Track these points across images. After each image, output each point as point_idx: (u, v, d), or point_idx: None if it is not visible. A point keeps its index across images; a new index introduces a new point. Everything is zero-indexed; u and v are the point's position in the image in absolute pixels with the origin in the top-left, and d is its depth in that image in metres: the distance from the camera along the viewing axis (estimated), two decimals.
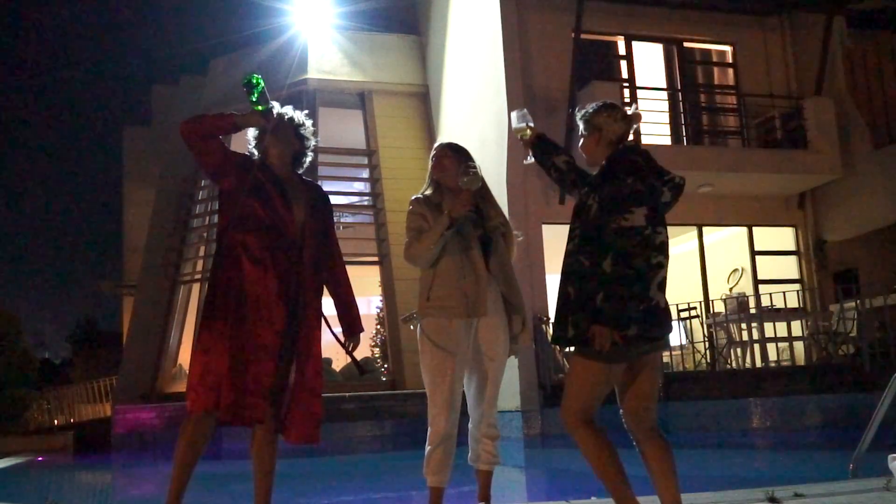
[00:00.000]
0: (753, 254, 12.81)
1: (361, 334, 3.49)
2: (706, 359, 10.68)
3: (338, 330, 3.43)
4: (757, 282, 12.58)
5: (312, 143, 3.41)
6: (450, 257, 3.47)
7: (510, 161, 11.24)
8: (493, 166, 10.83)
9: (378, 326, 13.72)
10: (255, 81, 3.14)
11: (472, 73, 12.84)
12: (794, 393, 8.97)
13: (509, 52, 11.62)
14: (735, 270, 13.05)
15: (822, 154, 12.03)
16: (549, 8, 12.15)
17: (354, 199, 15.72)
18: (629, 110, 3.01)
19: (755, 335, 10.43)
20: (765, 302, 10.99)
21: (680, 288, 11.93)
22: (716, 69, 13.63)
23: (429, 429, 3.47)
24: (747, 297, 10.97)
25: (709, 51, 13.56)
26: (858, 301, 9.62)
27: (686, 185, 2.87)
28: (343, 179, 15.18)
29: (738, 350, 10.75)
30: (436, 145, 3.76)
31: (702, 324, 11.38)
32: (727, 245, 13.20)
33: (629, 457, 2.85)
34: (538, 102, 11.43)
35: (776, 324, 10.48)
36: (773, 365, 10.58)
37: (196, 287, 14.55)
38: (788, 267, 13.00)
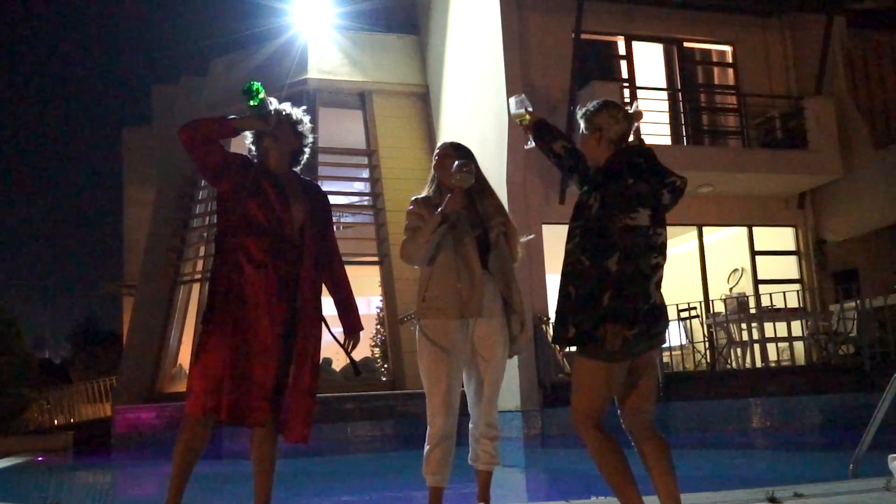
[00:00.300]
0: (753, 254, 12.80)
1: (361, 335, 3.49)
2: (706, 359, 10.68)
3: (337, 330, 3.43)
4: (757, 282, 12.57)
5: (310, 139, 3.40)
6: (446, 257, 3.47)
7: (510, 161, 11.24)
8: (493, 166, 10.83)
9: (378, 326, 13.72)
10: (255, 89, 3.15)
11: (472, 73, 12.84)
12: (794, 393, 8.98)
13: (509, 52, 11.61)
14: (735, 270, 13.04)
15: (822, 154, 12.03)
16: (549, 8, 12.15)
17: (354, 199, 15.73)
18: (630, 108, 3.01)
19: (755, 335, 10.43)
20: (765, 302, 10.98)
21: (680, 288, 11.94)
22: (716, 69, 13.63)
23: (428, 428, 3.47)
24: (747, 297, 10.97)
25: (709, 51, 13.56)
26: (858, 301, 9.62)
27: (686, 182, 2.86)
28: (343, 179, 15.19)
29: (738, 350, 10.75)
30: (439, 145, 3.76)
31: (702, 324, 11.37)
32: (727, 245, 13.20)
33: (628, 456, 2.85)
34: (538, 102, 11.31)
35: (776, 324, 10.47)
36: (773, 365, 10.58)
37: (196, 287, 14.55)
38: (788, 267, 12.99)
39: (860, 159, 12.10)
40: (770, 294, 10.91)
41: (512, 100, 3.39)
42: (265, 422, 3.09)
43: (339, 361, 12.84)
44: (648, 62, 13.02)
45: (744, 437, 8.93)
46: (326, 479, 7.99)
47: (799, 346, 11.43)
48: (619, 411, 2.92)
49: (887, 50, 12.68)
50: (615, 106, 2.97)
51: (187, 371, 9.78)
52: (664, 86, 12.89)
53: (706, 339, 11.01)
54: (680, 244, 13.08)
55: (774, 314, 10.58)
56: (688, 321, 11.21)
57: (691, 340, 11.34)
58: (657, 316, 2.78)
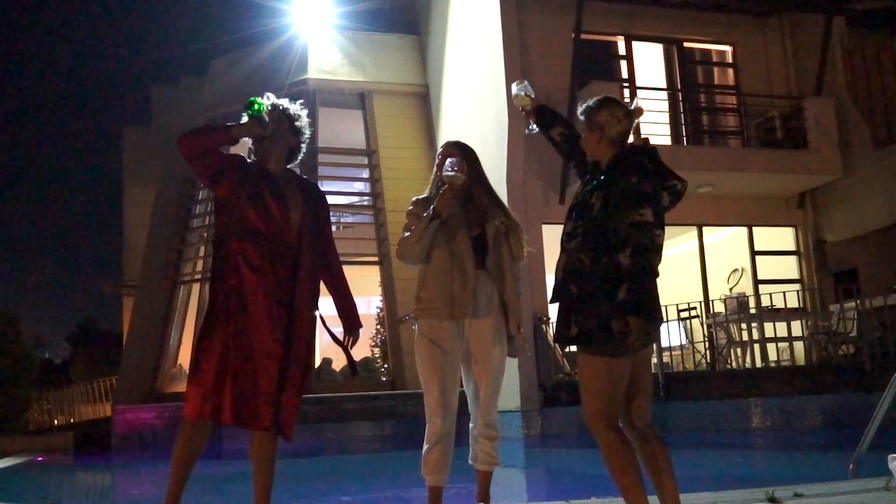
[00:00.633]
0: (753, 254, 12.81)
1: (362, 334, 3.49)
2: (706, 359, 10.68)
3: (336, 330, 3.43)
4: (757, 282, 12.58)
5: (307, 133, 3.41)
6: (440, 258, 3.47)
7: (510, 161, 11.24)
8: (493, 166, 10.82)
9: (378, 326, 13.71)
10: (255, 105, 3.17)
11: (472, 73, 12.84)
12: (794, 393, 8.97)
13: (509, 52, 11.61)
14: (735, 270, 13.05)
15: (822, 154, 12.03)
16: (549, 8, 12.15)
17: (354, 199, 15.72)
18: (630, 105, 2.99)
19: (755, 335, 10.42)
20: (765, 302, 10.98)
21: (680, 288, 11.95)
22: (716, 69, 13.63)
23: (426, 428, 3.48)
24: (747, 297, 10.96)
25: (709, 51, 13.56)
26: (858, 301, 9.62)
27: (686, 186, 2.86)
28: (343, 179, 15.18)
29: (738, 350, 10.75)
30: (442, 144, 3.75)
31: (702, 324, 11.37)
32: (727, 245, 13.20)
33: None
34: None
35: (776, 324, 10.47)
36: (773, 365, 10.57)
37: (196, 287, 14.54)
38: (788, 267, 13.00)
39: (860, 159, 12.11)
40: (770, 294, 10.92)
41: (514, 85, 3.41)
42: (271, 426, 3.10)
43: (339, 361, 12.84)
44: (648, 62, 13.02)
45: (744, 437, 8.93)
46: (326, 479, 7.98)
47: (799, 346, 11.42)
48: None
49: (887, 50, 12.68)
50: (617, 104, 2.95)
51: (187, 370, 9.77)
52: (664, 86, 12.89)
53: (706, 339, 11.01)
54: (680, 244, 13.08)
55: (774, 314, 10.58)
56: (688, 321, 11.22)
57: (691, 340, 11.34)
58: (656, 310, 2.80)
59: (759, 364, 10.26)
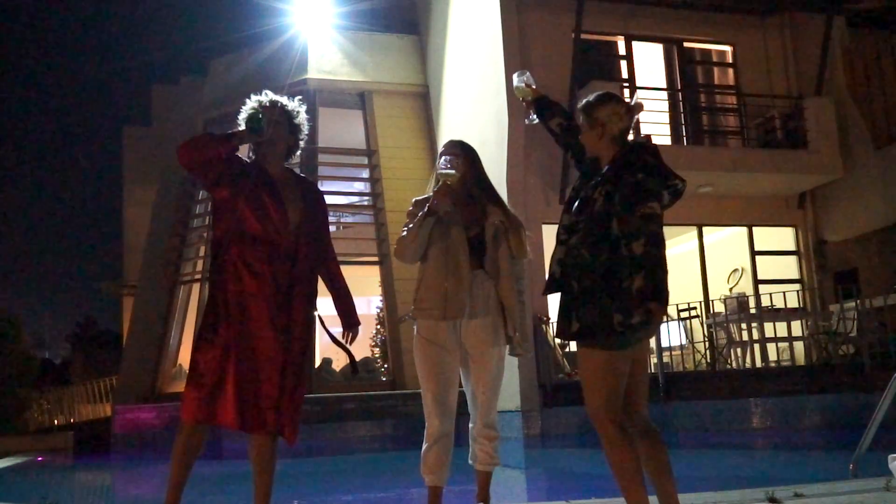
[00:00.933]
0: (753, 254, 12.81)
1: (361, 334, 3.50)
2: (706, 359, 10.68)
3: (335, 330, 3.43)
4: (757, 282, 12.58)
5: (306, 130, 3.42)
6: (435, 258, 3.47)
7: (510, 161, 11.24)
8: (493, 166, 10.76)
9: (378, 326, 13.71)
10: (257, 123, 3.18)
11: (472, 73, 12.84)
12: (794, 393, 8.97)
13: (509, 52, 11.61)
14: (735, 270, 13.05)
15: (822, 154, 12.03)
16: (549, 8, 12.15)
17: (354, 199, 15.71)
18: (630, 101, 2.97)
19: (755, 335, 10.43)
20: (765, 302, 10.98)
21: (680, 288, 11.93)
22: (716, 69, 13.62)
23: (425, 428, 3.48)
24: (747, 297, 10.96)
25: (709, 51, 13.56)
26: (858, 301, 9.62)
27: (686, 185, 2.86)
28: (343, 179, 15.17)
29: (738, 350, 10.75)
30: (444, 142, 3.75)
31: (702, 324, 11.37)
32: (727, 245, 13.20)
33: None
34: None
35: (776, 324, 10.47)
36: (773, 365, 10.58)
37: (196, 287, 14.53)
38: (788, 267, 13.00)
39: (860, 159, 12.11)
40: (770, 294, 10.91)
41: (515, 76, 3.41)
42: (274, 430, 3.11)
43: (339, 361, 12.83)
44: (648, 62, 13.02)
45: (744, 437, 8.93)
46: (326, 479, 7.98)
47: (799, 346, 11.43)
48: None
49: (887, 50, 12.67)
50: (617, 100, 2.92)
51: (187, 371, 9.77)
52: (664, 86, 12.89)
53: (706, 339, 11.01)
54: (680, 244, 13.08)
55: (774, 314, 10.58)
56: (688, 321, 11.22)
57: (691, 340, 11.33)
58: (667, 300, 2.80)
59: (759, 364, 10.26)
